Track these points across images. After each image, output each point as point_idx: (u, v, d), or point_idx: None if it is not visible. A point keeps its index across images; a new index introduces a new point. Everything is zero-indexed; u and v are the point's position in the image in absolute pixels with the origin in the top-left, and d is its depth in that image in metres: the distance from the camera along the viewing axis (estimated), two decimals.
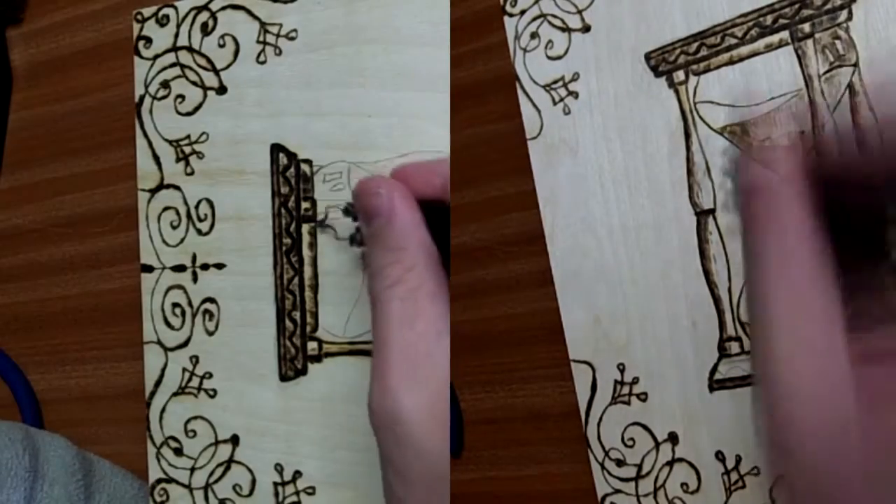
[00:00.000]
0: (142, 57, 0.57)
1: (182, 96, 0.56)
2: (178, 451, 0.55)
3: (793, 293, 0.31)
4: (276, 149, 0.53)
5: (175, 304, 0.55)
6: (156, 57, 0.57)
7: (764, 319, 0.31)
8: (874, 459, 0.29)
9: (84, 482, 0.55)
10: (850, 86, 0.44)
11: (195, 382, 0.54)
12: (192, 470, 0.54)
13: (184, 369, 0.55)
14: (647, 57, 0.47)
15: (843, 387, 0.30)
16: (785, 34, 0.45)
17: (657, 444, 0.47)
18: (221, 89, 0.55)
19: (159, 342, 0.55)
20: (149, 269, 0.56)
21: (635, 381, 0.47)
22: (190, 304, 0.55)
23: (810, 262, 0.31)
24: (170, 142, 0.56)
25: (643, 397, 0.47)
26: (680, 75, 0.47)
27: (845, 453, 0.29)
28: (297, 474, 0.52)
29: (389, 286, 0.35)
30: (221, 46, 0.55)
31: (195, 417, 0.54)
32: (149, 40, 0.57)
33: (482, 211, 0.52)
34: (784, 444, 0.30)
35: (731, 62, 0.46)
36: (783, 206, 0.32)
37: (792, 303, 0.31)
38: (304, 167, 0.53)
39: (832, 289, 0.31)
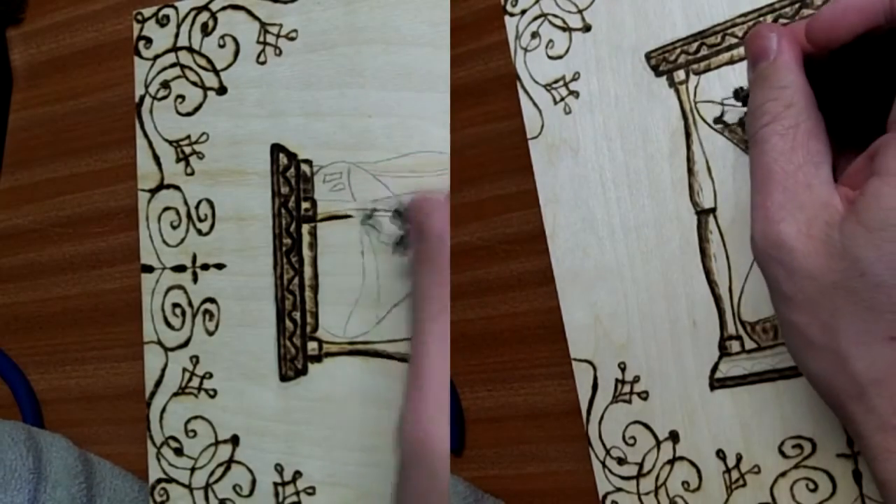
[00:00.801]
0: (142, 57, 0.57)
1: (182, 96, 0.56)
2: (179, 451, 0.55)
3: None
4: (277, 149, 0.53)
5: (175, 305, 0.55)
6: (156, 57, 0.57)
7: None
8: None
9: (86, 484, 0.55)
10: None
11: (195, 382, 0.54)
12: (193, 470, 0.54)
13: (184, 369, 0.55)
14: (648, 56, 0.48)
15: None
16: None
17: (658, 443, 0.47)
18: (221, 89, 0.55)
19: (159, 342, 0.55)
20: (149, 269, 0.56)
21: (636, 379, 0.47)
22: (190, 304, 0.55)
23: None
24: (170, 142, 0.56)
25: (644, 396, 0.47)
26: (680, 75, 0.47)
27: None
28: (298, 474, 0.52)
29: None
30: (221, 47, 0.55)
31: (195, 417, 0.54)
32: (149, 40, 0.57)
33: (483, 210, 0.52)
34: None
35: (731, 62, 0.46)
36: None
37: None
38: (305, 167, 0.53)
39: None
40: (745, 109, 0.45)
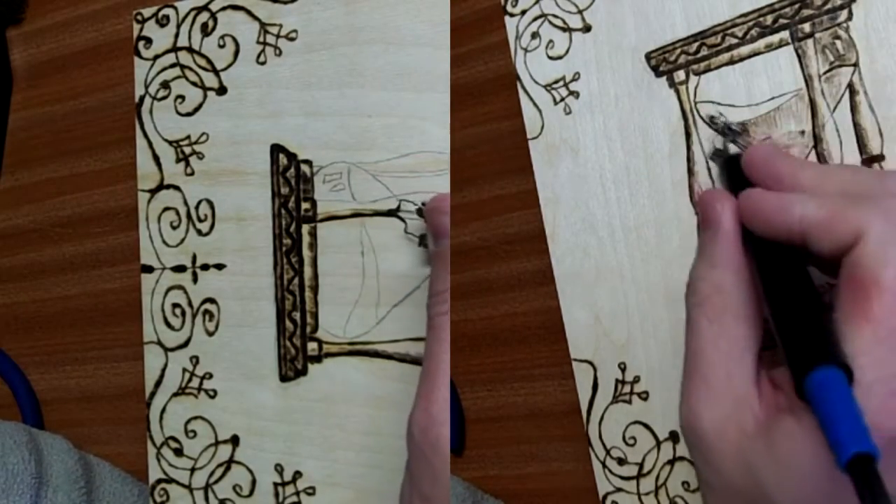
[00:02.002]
0: (142, 57, 0.57)
1: (182, 97, 0.56)
2: (179, 452, 0.55)
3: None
4: (276, 149, 0.53)
5: (175, 305, 0.55)
6: (156, 57, 0.57)
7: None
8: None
9: (86, 489, 0.55)
10: (850, 85, 0.44)
11: (195, 383, 0.54)
12: (193, 470, 0.54)
13: (184, 369, 0.55)
14: (648, 57, 0.48)
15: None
16: (785, 34, 0.45)
17: (658, 443, 0.47)
18: (221, 90, 0.55)
19: (159, 342, 0.55)
20: (149, 269, 0.56)
21: (636, 380, 0.47)
22: (190, 304, 0.55)
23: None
24: (170, 142, 0.56)
25: (644, 396, 0.47)
26: (680, 75, 0.47)
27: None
28: (297, 474, 0.52)
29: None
30: (221, 47, 0.55)
31: (195, 418, 0.54)
32: (149, 41, 0.57)
33: (483, 210, 0.52)
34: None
35: (731, 62, 0.46)
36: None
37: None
38: (304, 168, 0.53)
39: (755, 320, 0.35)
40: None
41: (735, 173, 0.39)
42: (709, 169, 0.46)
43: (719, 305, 0.35)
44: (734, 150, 0.45)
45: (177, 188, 0.55)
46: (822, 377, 0.30)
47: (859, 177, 0.36)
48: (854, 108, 0.43)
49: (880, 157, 0.43)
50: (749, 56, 0.45)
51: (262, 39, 0.54)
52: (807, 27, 0.44)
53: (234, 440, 0.53)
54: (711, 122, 0.46)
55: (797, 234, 0.34)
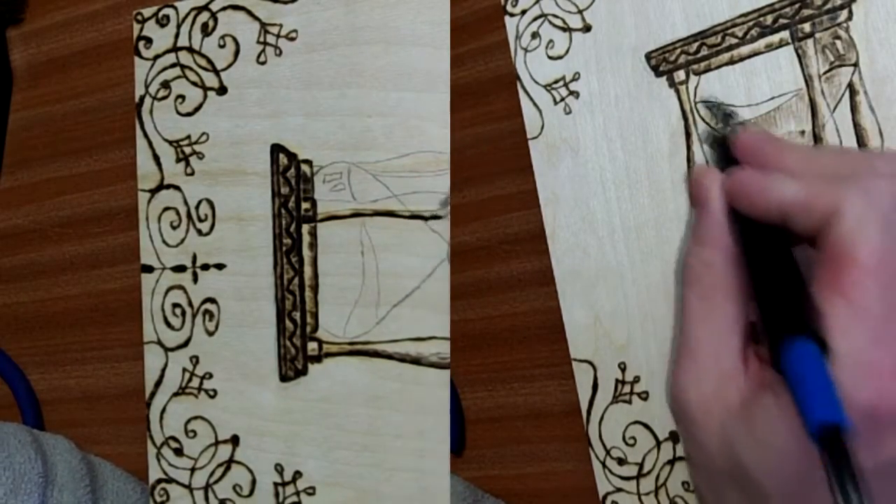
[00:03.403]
0: (142, 57, 0.57)
1: (182, 97, 0.56)
2: (179, 452, 0.55)
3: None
4: (277, 149, 0.53)
5: (175, 305, 0.55)
6: (156, 57, 0.57)
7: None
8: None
9: (91, 487, 0.55)
10: (850, 85, 0.44)
11: (195, 383, 0.54)
12: (193, 470, 0.54)
13: (184, 369, 0.55)
14: (648, 57, 0.47)
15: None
16: (785, 34, 0.45)
17: (658, 443, 0.47)
18: (222, 90, 0.55)
19: (159, 342, 0.55)
20: (149, 269, 0.56)
21: (636, 380, 0.47)
22: (190, 304, 0.55)
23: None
24: (170, 142, 0.56)
25: (644, 396, 0.47)
26: (680, 75, 0.47)
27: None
28: (298, 474, 0.52)
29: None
30: (222, 47, 0.55)
31: (195, 418, 0.54)
32: (149, 40, 0.57)
33: (483, 210, 0.52)
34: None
35: (731, 62, 0.46)
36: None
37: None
38: (305, 167, 0.53)
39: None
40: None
41: (726, 154, 0.39)
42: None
43: (708, 283, 0.36)
44: (727, 133, 0.45)
45: (177, 188, 0.55)
46: (798, 349, 0.31)
47: (846, 158, 0.37)
48: (854, 108, 0.43)
49: None
50: (749, 56, 0.45)
51: (262, 39, 0.54)
52: (807, 27, 0.44)
53: (235, 440, 0.53)
54: (711, 109, 0.46)
55: (778, 213, 0.34)
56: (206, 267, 0.55)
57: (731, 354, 0.35)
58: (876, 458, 0.30)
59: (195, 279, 0.55)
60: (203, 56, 0.55)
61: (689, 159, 0.46)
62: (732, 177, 0.37)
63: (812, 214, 0.33)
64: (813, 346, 0.31)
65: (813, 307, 0.32)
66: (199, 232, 0.55)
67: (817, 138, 0.44)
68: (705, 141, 0.46)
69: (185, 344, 0.55)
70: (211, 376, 0.54)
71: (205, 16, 0.55)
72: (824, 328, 0.31)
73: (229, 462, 0.54)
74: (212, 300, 0.54)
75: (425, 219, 0.50)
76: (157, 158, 0.56)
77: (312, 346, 0.52)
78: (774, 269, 0.34)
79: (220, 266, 0.54)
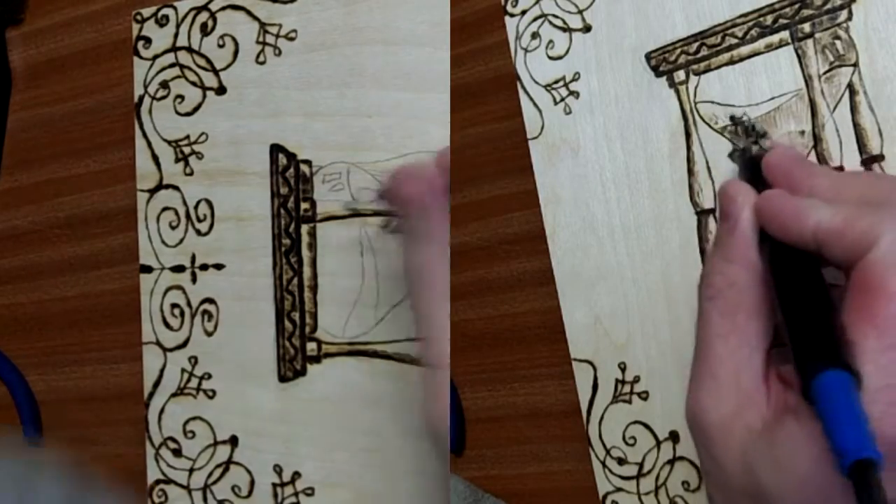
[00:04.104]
0: (141, 57, 0.57)
1: (181, 96, 0.56)
2: (177, 452, 0.55)
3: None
4: (276, 149, 0.53)
5: (174, 305, 0.55)
6: (155, 57, 0.57)
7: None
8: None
9: None
10: (850, 85, 0.44)
11: (194, 383, 0.54)
12: (191, 471, 0.54)
13: (182, 370, 0.55)
14: (648, 57, 0.48)
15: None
16: (785, 34, 0.45)
17: (658, 443, 0.47)
18: (221, 89, 0.55)
19: (158, 343, 0.55)
20: (148, 269, 0.56)
21: (636, 379, 0.47)
22: (189, 304, 0.55)
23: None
24: (169, 142, 0.56)
25: (644, 396, 0.47)
26: (680, 75, 0.47)
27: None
28: (296, 475, 0.52)
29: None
30: (221, 47, 0.55)
31: (194, 418, 0.54)
32: (148, 41, 0.57)
33: (483, 210, 0.52)
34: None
35: (731, 62, 0.46)
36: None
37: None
38: (304, 168, 0.53)
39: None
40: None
41: (756, 174, 0.39)
42: (709, 169, 0.46)
43: (732, 301, 0.35)
44: (756, 151, 0.45)
45: (176, 188, 0.55)
46: (829, 380, 0.30)
47: (876, 184, 0.36)
48: (854, 108, 0.43)
49: (880, 157, 0.43)
50: (749, 56, 0.46)
51: (261, 39, 0.54)
52: (807, 27, 0.44)
53: (233, 441, 0.53)
54: (734, 121, 0.46)
55: (811, 240, 0.34)
56: (204, 267, 0.55)
57: (754, 375, 0.34)
58: None
59: (194, 279, 0.55)
60: (202, 56, 0.55)
61: (690, 159, 0.47)
62: (764, 197, 0.36)
63: (845, 242, 0.33)
64: (845, 376, 0.30)
65: (844, 336, 0.31)
66: (198, 232, 0.55)
67: (817, 138, 0.44)
68: (731, 157, 0.46)
69: (184, 344, 0.55)
70: (210, 377, 0.54)
71: (204, 16, 0.56)
72: (855, 359, 0.31)
73: (228, 463, 0.54)
74: (211, 300, 0.54)
75: None
76: (156, 158, 0.56)
77: (311, 347, 0.52)
78: (805, 295, 0.33)
79: (218, 266, 0.54)
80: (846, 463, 0.28)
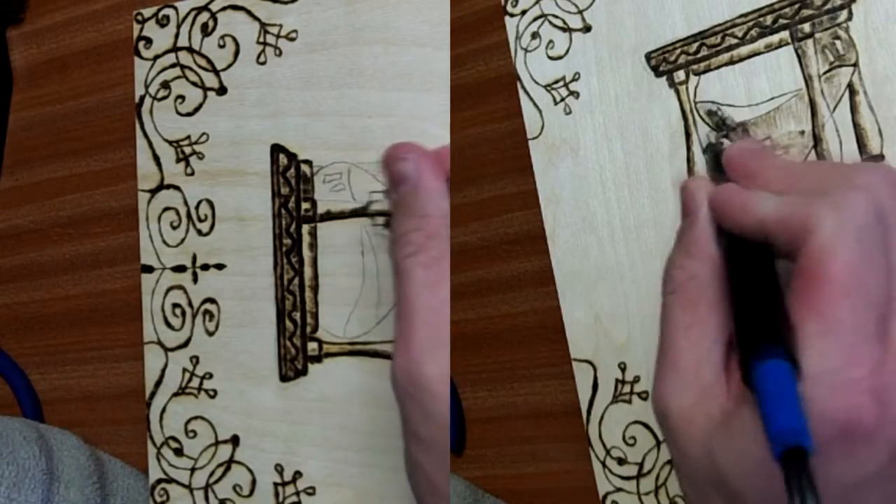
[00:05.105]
0: (142, 57, 0.57)
1: (182, 97, 0.56)
2: (179, 452, 0.55)
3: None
4: (277, 149, 0.53)
5: (175, 305, 0.55)
6: (156, 57, 0.57)
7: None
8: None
9: (99, 484, 0.55)
10: (850, 85, 0.44)
11: (195, 383, 0.54)
12: (193, 470, 0.54)
13: (184, 369, 0.55)
14: (648, 57, 0.48)
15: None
16: (785, 34, 0.45)
17: (658, 443, 0.47)
18: (222, 90, 0.55)
19: (159, 342, 0.55)
20: (149, 269, 0.56)
21: (636, 379, 0.47)
22: (190, 304, 0.55)
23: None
24: (170, 142, 0.56)
25: (644, 396, 0.47)
26: (680, 75, 0.47)
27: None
28: (298, 475, 0.52)
29: (412, 254, 0.36)
30: (221, 47, 0.55)
31: (195, 418, 0.54)
32: (149, 41, 0.57)
33: (483, 210, 0.52)
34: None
35: (731, 62, 0.46)
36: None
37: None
38: (305, 168, 0.53)
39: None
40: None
41: (720, 166, 0.39)
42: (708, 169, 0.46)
43: (692, 294, 0.36)
44: (726, 145, 0.45)
45: (177, 188, 0.55)
46: (767, 367, 0.30)
47: (826, 172, 0.37)
48: (854, 108, 0.43)
49: (880, 157, 0.43)
50: (749, 56, 0.45)
51: (262, 39, 0.54)
52: (807, 27, 0.44)
53: (235, 440, 0.53)
54: (709, 115, 0.46)
55: (759, 231, 0.34)
56: (206, 267, 0.55)
57: (713, 366, 0.34)
58: (854, 472, 0.30)
59: (195, 279, 0.55)
60: (203, 56, 0.55)
61: (689, 159, 0.47)
62: (716, 191, 0.37)
63: (788, 231, 0.33)
64: (782, 363, 0.30)
65: (788, 323, 0.32)
66: (199, 232, 0.55)
67: (817, 138, 0.44)
68: (705, 152, 0.46)
69: (185, 344, 0.55)
70: (211, 376, 0.54)
71: (204, 16, 0.55)
72: (797, 344, 0.31)
73: (229, 462, 0.54)
74: (212, 300, 0.54)
75: None
76: (157, 158, 0.56)
77: (312, 347, 0.52)
78: (753, 284, 0.34)
79: (220, 266, 0.54)
80: (777, 451, 0.28)
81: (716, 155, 0.41)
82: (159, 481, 0.55)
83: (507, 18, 0.51)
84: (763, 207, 0.34)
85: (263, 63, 0.54)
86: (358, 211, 0.52)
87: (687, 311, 0.35)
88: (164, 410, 0.55)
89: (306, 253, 0.52)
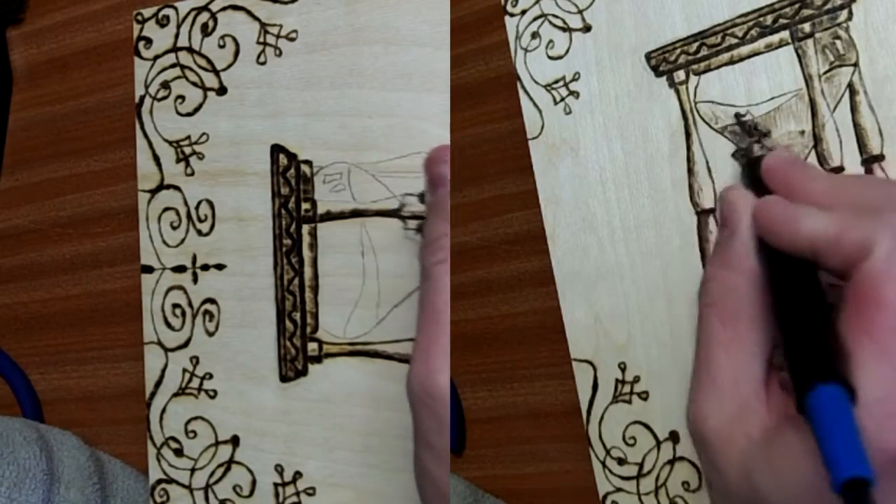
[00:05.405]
0: (142, 57, 0.57)
1: (182, 97, 0.56)
2: (179, 452, 0.55)
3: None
4: (277, 149, 0.53)
5: (175, 305, 0.55)
6: (156, 57, 0.57)
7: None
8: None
9: (100, 485, 0.55)
10: (850, 85, 0.44)
11: (195, 383, 0.54)
12: (193, 470, 0.54)
13: (184, 370, 0.55)
14: (648, 57, 0.48)
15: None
16: (785, 34, 0.45)
17: (658, 443, 0.47)
18: (222, 90, 0.55)
19: (159, 343, 0.55)
20: (149, 269, 0.56)
21: (636, 379, 0.47)
22: (190, 304, 0.55)
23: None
24: (170, 142, 0.56)
25: (644, 396, 0.47)
26: (680, 75, 0.47)
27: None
28: (298, 475, 0.52)
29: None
30: (221, 47, 0.55)
31: (195, 418, 0.54)
32: (149, 41, 0.57)
33: (483, 210, 0.52)
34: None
35: (731, 62, 0.46)
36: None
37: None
38: (305, 168, 0.53)
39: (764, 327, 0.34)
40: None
41: (758, 176, 0.38)
42: (709, 169, 0.46)
43: (732, 308, 0.35)
44: (757, 152, 0.45)
45: (177, 188, 0.55)
46: (823, 395, 0.30)
47: (871, 189, 0.36)
48: (854, 108, 0.43)
49: (880, 157, 0.43)
50: (749, 56, 0.45)
51: (262, 39, 0.54)
52: (807, 27, 0.44)
53: (235, 440, 0.53)
54: (737, 119, 0.45)
55: (807, 249, 0.34)
56: (206, 267, 0.55)
57: (753, 382, 0.34)
58: None
59: (195, 279, 0.55)
60: (203, 56, 0.55)
61: (689, 159, 0.46)
62: (760, 205, 0.36)
63: (841, 251, 0.32)
64: (839, 391, 0.29)
65: (840, 347, 0.31)
66: (199, 232, 0.55)
67: (817, 138, 0.44)
68: (734, 157, 0.45)
69: (185, 344, 0.55)
70: (211, 377, 0.54)
71: (205, 16, 0.55)
72: (851, 371, 0.30)
73: (229, 462, 0.54)
74: (212, 300, 0.54)
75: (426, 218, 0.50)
76: (157, 159, 0.56)
77: (312, 347, 0.52)
78: (801, 306, 0.33)
79: (220, 266, 0.54)
80: (838, 481, 0.28)
81: (749, 162, 0.40)
82: (159, 482, 0.55)
83: (507, 18, 0.51)
84: (814, 225, 0.33)
85: (263, 63, 0.54)
86: (358, 211, 0.52)
87: (726, 326, 0.35)
88: (164, 411, 0.55)
89: (306, 253, 0.52)
